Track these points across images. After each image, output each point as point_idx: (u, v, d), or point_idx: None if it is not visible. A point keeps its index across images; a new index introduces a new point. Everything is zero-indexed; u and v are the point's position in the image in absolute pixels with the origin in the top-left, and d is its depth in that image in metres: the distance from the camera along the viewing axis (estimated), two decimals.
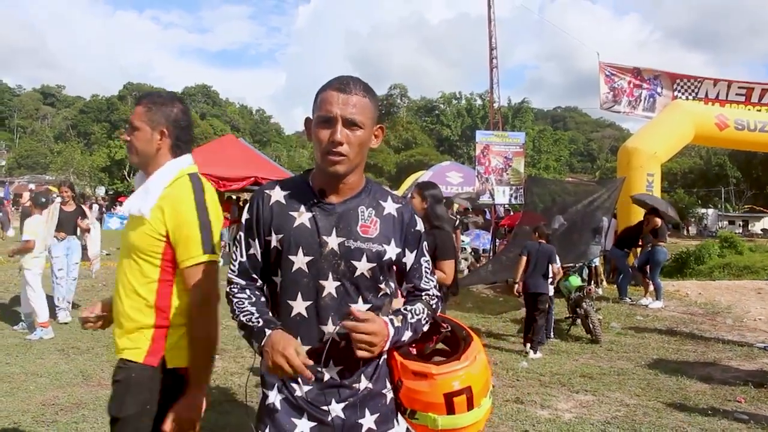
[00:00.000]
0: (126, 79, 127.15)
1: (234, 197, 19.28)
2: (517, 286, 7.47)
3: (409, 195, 4.15)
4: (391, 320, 1.80)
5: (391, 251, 1.85)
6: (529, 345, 7.21)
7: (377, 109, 1.85)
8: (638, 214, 11.93)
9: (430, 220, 4.28)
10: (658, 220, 10.87)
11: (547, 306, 7.54)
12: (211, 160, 15.62)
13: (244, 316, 1.82)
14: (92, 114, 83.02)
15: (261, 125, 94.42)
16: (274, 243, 1.82)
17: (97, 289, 10.61)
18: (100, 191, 57.42)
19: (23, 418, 4.59)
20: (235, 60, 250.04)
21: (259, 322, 1.78)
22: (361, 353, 1.71)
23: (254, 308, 1.82)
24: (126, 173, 58.02)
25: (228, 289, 1.91)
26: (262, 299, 1.89)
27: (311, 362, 1.70)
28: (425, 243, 1.98)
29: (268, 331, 1.73)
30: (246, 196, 19.21)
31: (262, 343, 1.72)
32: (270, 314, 1.83)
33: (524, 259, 7.42)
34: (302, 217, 1.81)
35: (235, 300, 1.87)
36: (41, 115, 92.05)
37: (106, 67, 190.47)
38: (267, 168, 15.85)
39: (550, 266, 7.37)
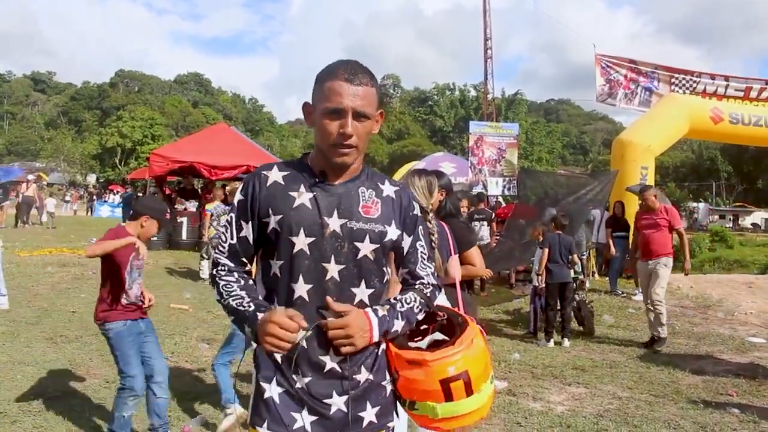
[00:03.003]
0: (118, 66, 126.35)
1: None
2: (540, 278, 7.62)
3: (424, 182, 3.60)
4: (375, 310, 1.77)
5: (392, 232, 1.82)
6: (561, 335, 7.48)
7: (380, 95, 1.83)
8: (631, 206, 11.88)
9: (444, 210, 3.83)
10: None
11: (573, 294, 7.76)
12: (203, 149, 15.56)
13: (234, 300, 1.77)
14: (83, 101, 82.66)
15: (253, 114, 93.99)
16: (272, 225, 1.77)
17: (87, 277, 10.51)
18: (91, 179, 57.11)
19: (10, 408, 4.52)
20: (229, 48, 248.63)
21: (250, 306, 1.74)
22: (344, 349, 1.70)
23: (244, 292, 1.78)
24: (117, 161, 57.71)
25: (214, 272, 1.85)
26: (251, 282, 1.85)
27: (301, 317, 1.67)
28: (421, 227, 1.95)
29: (260, 315, 1.70)
30: (237, 185, 19.10)
31: (256, 326, 1.69)
32: (260, 298, 1.79)
33: (546, 251, 7.56)
34: (302, 197, 1.77)
35: (222, 282, 1.82)
36: (31, 102, 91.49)
37: (97, 53, 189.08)
38: (259, 157, 15.76)
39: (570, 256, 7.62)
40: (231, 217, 1.85)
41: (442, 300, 3.23)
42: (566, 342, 7.36)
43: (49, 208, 22.72)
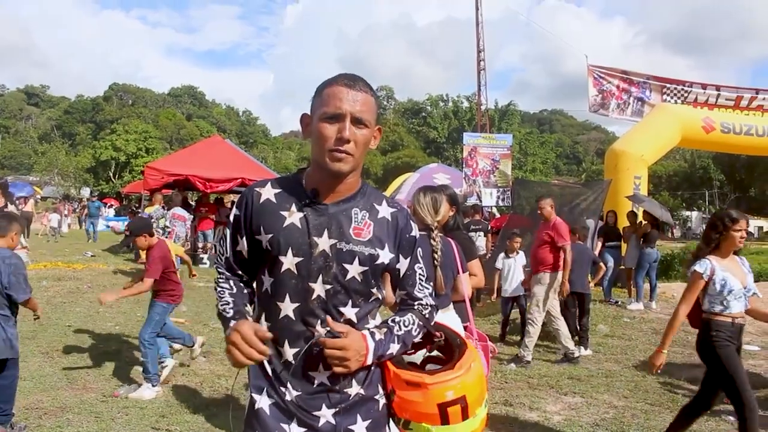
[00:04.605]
0: (112, 79, 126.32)
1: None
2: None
3: (429, 199, 3.45)
4: (372, 333, 1.77)
5: (385, 256, 1.81)
6: (573, 343, 7.42)
7: (378, 109, 1.82)
8: (624, 215, 11.94)
9: (450, 224, 3.76)
10: (648, 226, 10.89)
11: (589, 305, 7.90)
12: (197, 162, 15.55)
13: (221, 305, 1.83)
14: (77, 114, 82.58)
15: (247, 126, 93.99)
16: (264, 243, 1.78)
17: (82, 291, 10.48)
18: (85, 192, 56.92)
19: None
20: (223, 60, 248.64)
21: (229, 312, 1.79)
22: (337, 370, 1.70)
23: (231, 299, 1.83)
24: (111, 174, 57.59)
25: (215, 281, 1.91)
26: (244, 291, 1.88)
27: (270, 335, 1.69)
28: (420, 249, 1.93)
29: (233, 322, 1.73)
30: (232, 197, 19.08)
31: (227, 334, 1.71)
32: (245, 307, 1.83)
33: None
34: (293, 216, 1.77)
35: (219, 289, 1.87)
36: (25, 116, 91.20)
37: (91, 67, 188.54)
38: (253, 169, 15.78)
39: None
40: (227, 232, 1.88)
41: (451, 316, 3.24)
42: (583, 351, 7.39)
43: (53, 223, 23.72)
